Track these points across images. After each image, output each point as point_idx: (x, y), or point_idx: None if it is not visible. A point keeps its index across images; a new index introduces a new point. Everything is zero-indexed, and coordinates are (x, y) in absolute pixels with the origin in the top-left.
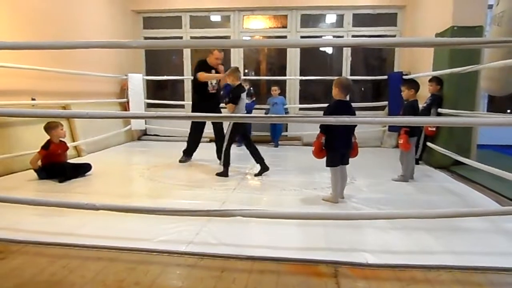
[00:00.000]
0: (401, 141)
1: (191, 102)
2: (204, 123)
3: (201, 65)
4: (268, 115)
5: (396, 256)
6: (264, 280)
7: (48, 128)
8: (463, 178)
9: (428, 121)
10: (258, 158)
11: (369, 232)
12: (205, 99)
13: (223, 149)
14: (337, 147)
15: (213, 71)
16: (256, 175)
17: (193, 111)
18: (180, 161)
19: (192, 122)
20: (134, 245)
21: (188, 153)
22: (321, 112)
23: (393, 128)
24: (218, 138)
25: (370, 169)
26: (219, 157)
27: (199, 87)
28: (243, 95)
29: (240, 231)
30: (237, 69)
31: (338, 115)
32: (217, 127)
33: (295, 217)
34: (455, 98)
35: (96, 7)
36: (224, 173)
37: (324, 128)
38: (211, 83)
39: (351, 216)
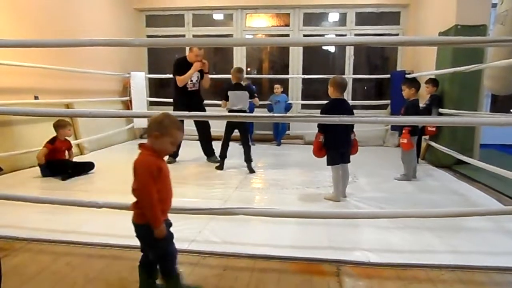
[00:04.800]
0: (404, 141)
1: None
2: (182, 121)
3: (180, 64)
4: (271, 114)
5: (398, 255)
6: (266, 279)
7: (58, 126)
8: (465, 177)
9: (432, 121)
10: (247, 158)
11: (371, 231)
12: (185, 96)
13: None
14: (336, 146)
15: (193, 65)
16: (250, 172)
17: (174, 109)
18: (168, 162)
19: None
20: (137, 243)
21: (173, 155)
22: None
23: (395, 127)
24: (202, 136)
25: (372, 168)
26: (206, 154)
27: (178, 85)
28: (234, 92)
29: (242, 229)
30: (236, 69)
31: (336, 113)
32: (201, 125)
33: (297, 215)
34: (459, 97)
35: (99, 5)
36: (219, 166)
37: (322, 127)
38: (191, 81)
39: (353, 215)
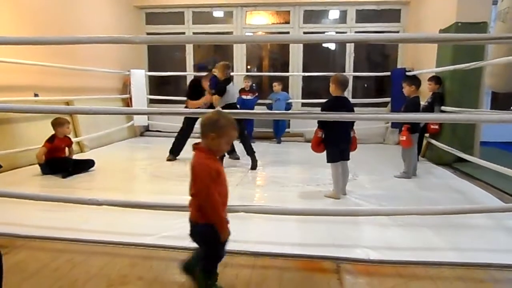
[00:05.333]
0: (403, 138)
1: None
2: (195, 121)
3: (194, 88)
4: (271, 111)
5: (398, 253)
6: (266, 276)
7: (55, 124)
8: (466, 175)
9: (431, 118)
10: (249, 151)
11: (371, 228)
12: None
13: None
14: (336, 143)
15: (206, 93)
16: (251, 169)
17: (185, 119)
18: (168, 160)
19: (185, 119)
20: (137, 241)
21: (175, 152)
22: None
23: (396, 125)
24: None
25: (372, 165)
26: (227, 153)
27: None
28: (229, 87)
29: (242, 227)
30: (226, 65)
31: (336, 110)
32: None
33: (297, 213)
34: (459, 95)
35: (99, 3)
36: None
37: (322, 124)
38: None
39: (353, 212)
